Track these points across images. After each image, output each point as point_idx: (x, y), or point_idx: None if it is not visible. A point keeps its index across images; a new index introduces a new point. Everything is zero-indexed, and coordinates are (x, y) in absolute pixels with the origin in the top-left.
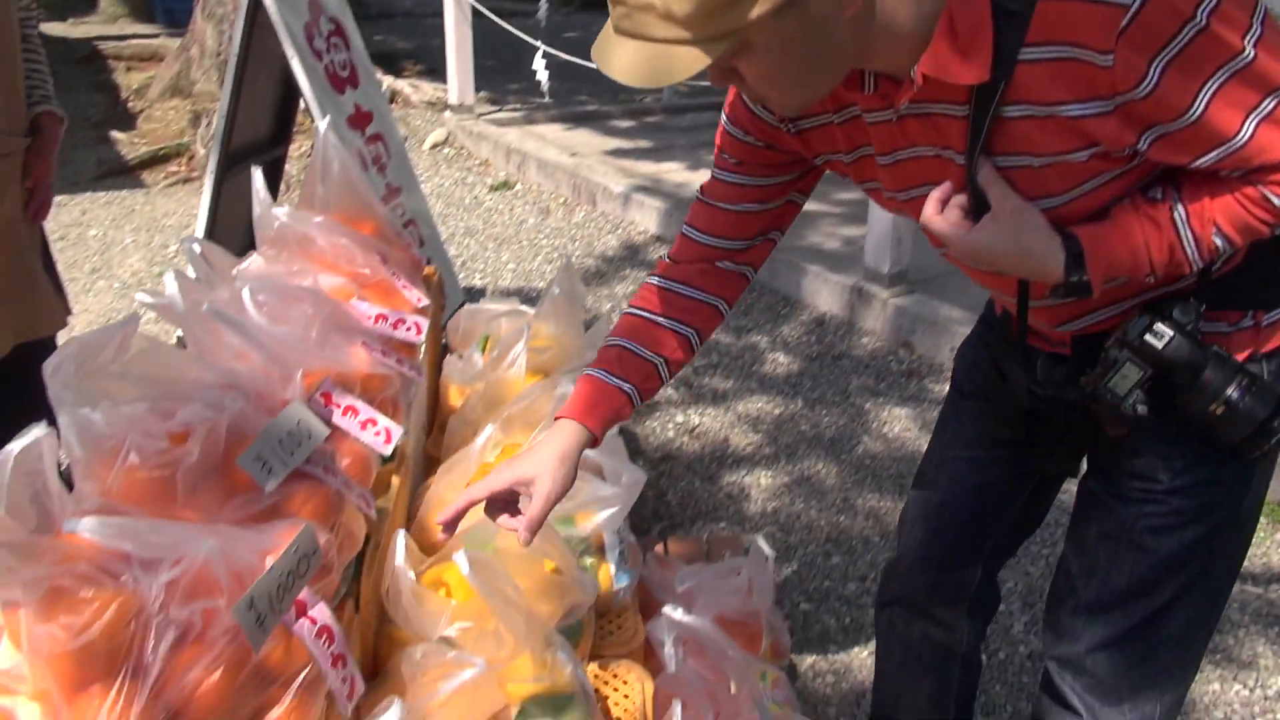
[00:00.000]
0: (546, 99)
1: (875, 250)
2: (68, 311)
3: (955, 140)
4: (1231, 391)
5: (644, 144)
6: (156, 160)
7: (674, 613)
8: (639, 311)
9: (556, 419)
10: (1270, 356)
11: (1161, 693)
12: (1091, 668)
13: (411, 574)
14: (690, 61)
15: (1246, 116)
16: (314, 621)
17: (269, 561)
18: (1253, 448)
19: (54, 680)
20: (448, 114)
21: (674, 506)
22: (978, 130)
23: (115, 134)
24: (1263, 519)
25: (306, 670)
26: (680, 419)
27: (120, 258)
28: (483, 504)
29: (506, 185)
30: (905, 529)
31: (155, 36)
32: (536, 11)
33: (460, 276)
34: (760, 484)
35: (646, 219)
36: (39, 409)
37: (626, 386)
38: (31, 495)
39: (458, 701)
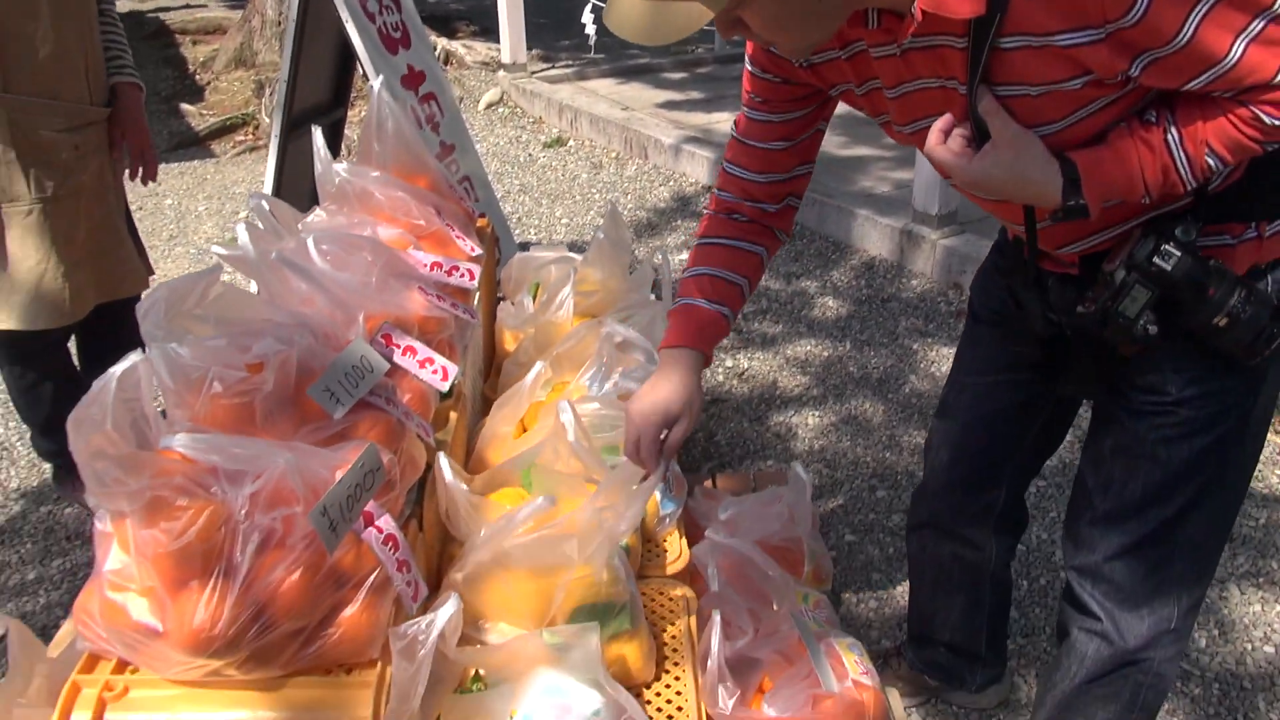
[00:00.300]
0: (595, 54)
1: (924, 192)
2: (150, 273)
3: (957, 71)
4: (1235, 303)
5: (695, 95)
6: (224, 130)
7: (715, 535)
8: (715, 239)
9: (665, 348)
10: (1274, 266)
11: (1178, 597)
12: (1110, 575)
13: (464, 486)
14: (695, 15)
15: (1235, 38)
16: (380, 530)
17: (338, 475)
18: (1252, 354)
19: (158, 578)
20: (501, 74)
21: (723, 446)
22: (976, 61)
23: (185, 106)
24: None
25: (375, 573)
26: (730, 363)
27: (195, 225)
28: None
29: (559, 142)
30: (930, 454)
31: (204, 6)
32: None
33: (515, 232)
34: (808, 423)
35: (697, 170)
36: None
37: (724, 309)
38: (131, 421)
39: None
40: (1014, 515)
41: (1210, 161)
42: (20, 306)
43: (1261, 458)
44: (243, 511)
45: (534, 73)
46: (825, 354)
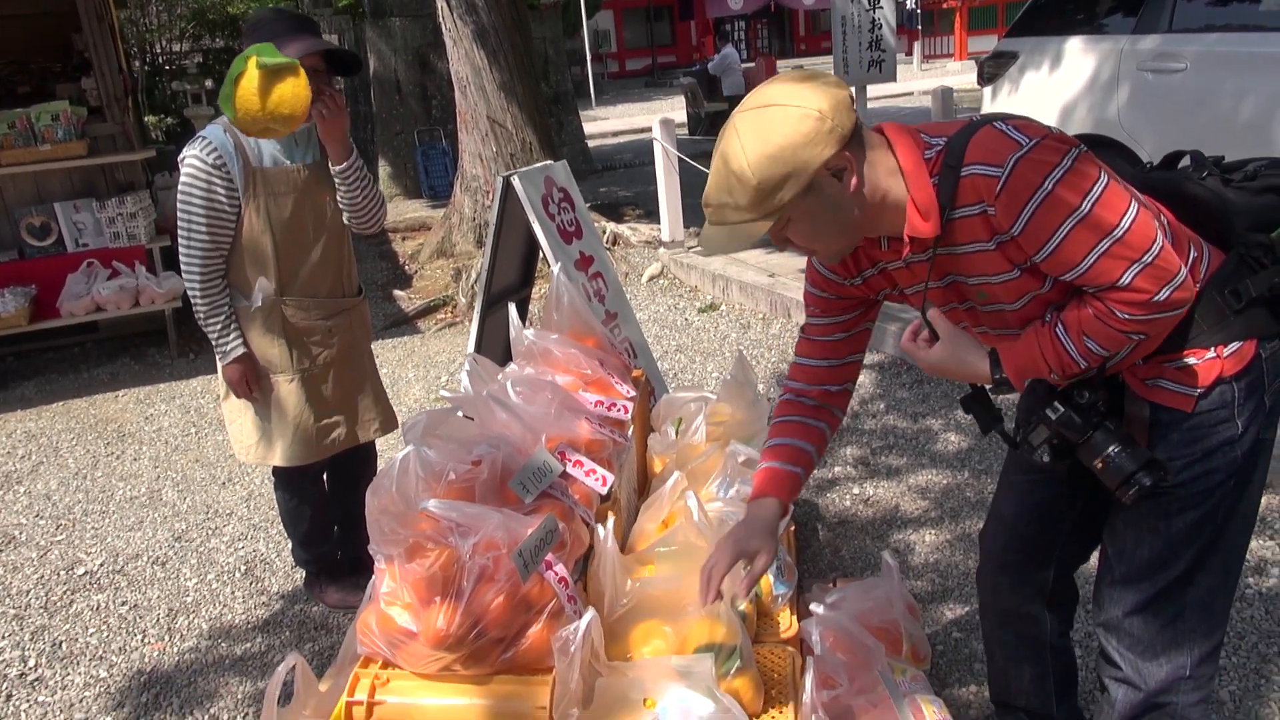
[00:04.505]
0: None
1: None
2: (394, 425)
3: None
4: (1110, 451)
5: None
6: (428, 310)
7: (819, 609)
8: (788, 417)
9: (751, 500)
10: (1238, 377)
11: (1191, 647)
12: (1129, 628)
13: (618, 549)
14: (758, 229)
15: (1089, 251)
16: (556, 573)
17: (529, 532)
18: (1123, 493)
19: (414, 597)
20: (662, 250)
21: (847, 560)
22: (932, 263)
23: (396, 292)
24: None
25: (552, 602)
26: (856, 490)
27: (405, 389)
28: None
29: (713, 307)
30: (985, 541)
31: (388, 196)
32: None
33: (671, 386)
34: (925, 541)
35: None
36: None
37: (799, 470)
38: (403, 495)
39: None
40: (1065, 592)
41: (1090, 346)
42: (285, 448)
43: None
44: (468, 554)
45: (690, 248)
46: (945, 482)
